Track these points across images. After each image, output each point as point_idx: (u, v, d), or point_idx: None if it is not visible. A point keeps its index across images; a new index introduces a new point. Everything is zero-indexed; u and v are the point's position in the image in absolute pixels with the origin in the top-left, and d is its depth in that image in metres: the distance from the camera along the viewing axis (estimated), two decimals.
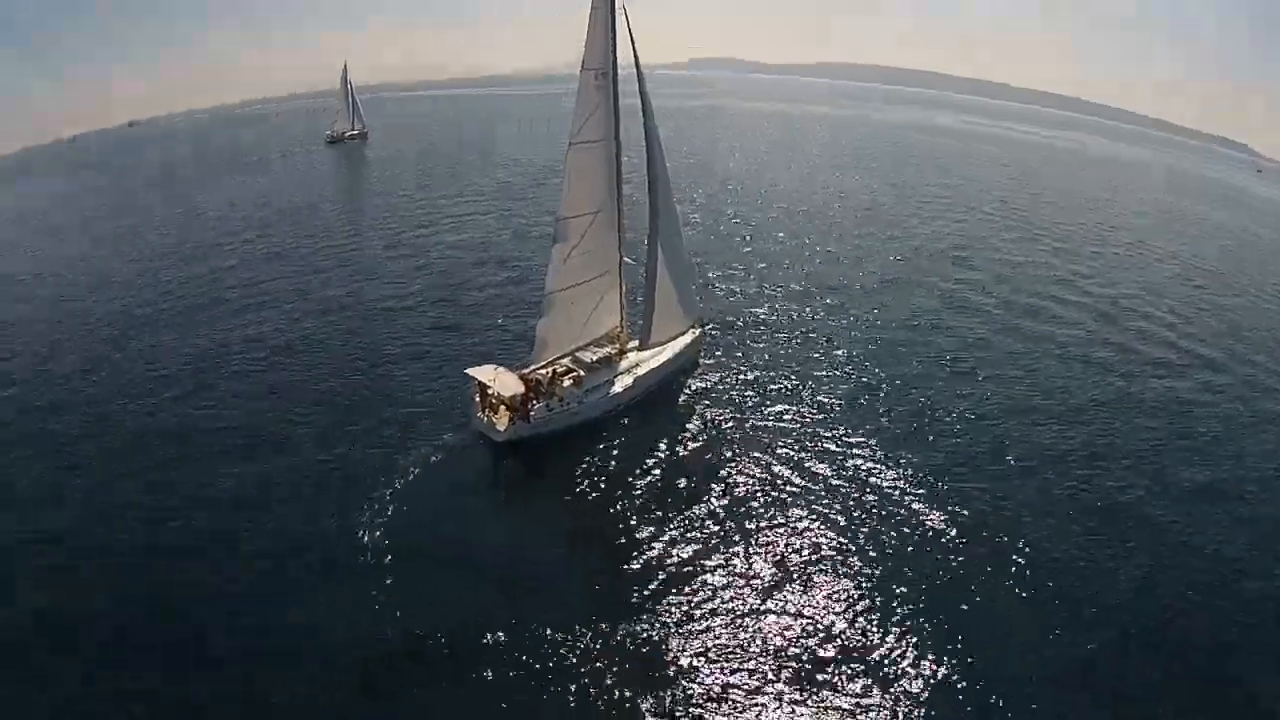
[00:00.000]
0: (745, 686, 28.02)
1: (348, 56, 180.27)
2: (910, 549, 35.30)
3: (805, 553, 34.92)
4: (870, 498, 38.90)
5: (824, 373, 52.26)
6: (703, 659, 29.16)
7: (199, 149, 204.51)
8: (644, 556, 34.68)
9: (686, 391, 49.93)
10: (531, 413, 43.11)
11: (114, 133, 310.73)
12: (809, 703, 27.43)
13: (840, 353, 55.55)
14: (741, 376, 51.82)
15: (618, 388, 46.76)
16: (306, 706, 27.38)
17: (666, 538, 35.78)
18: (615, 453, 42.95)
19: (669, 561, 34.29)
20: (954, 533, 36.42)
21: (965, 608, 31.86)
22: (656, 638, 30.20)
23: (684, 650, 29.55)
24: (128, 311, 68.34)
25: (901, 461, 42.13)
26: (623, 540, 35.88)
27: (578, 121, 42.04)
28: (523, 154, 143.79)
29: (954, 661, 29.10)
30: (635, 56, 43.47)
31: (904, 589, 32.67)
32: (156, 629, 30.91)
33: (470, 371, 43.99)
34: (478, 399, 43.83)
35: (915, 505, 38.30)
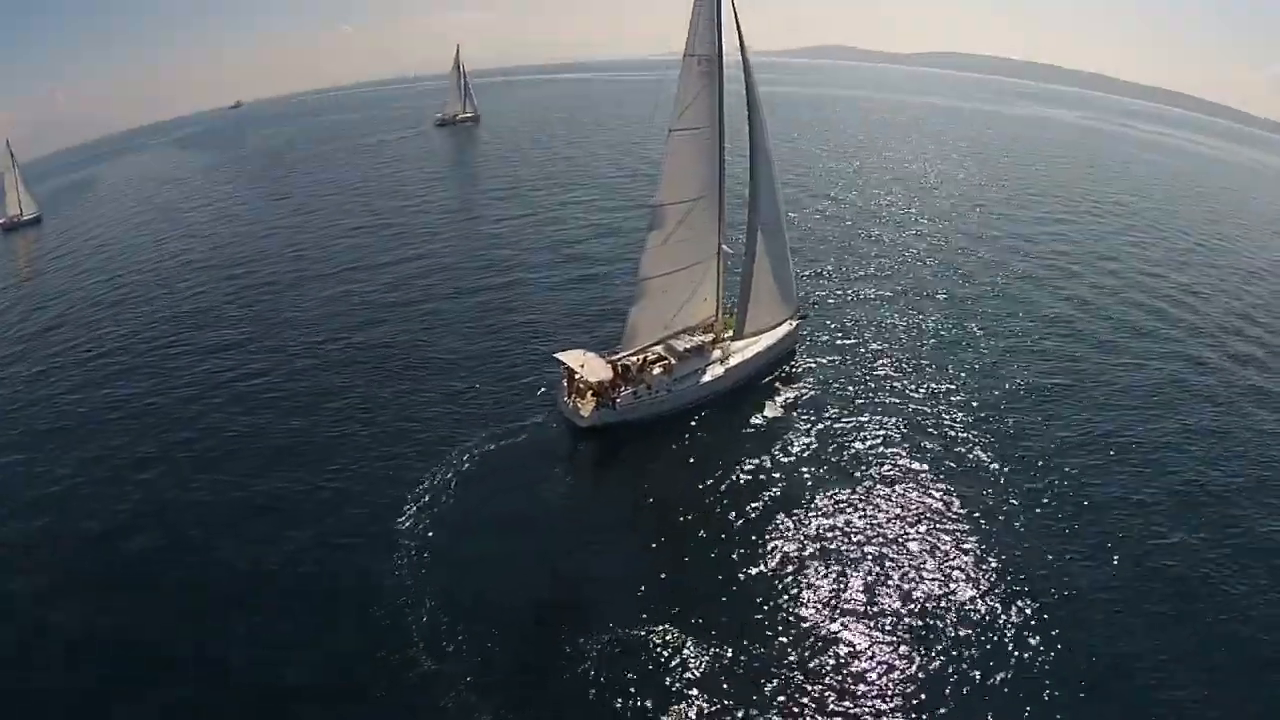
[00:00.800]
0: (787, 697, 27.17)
1: (460, 39, 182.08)
2: (996, 586, 32.46)
3: (877, 576, 32.95)
4: (960, 524, 35.95)
5: (926, 381, 49.38)
6: (751, 666, 28.40)
7: (314, 130, 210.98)
8: (708, 554, 34.07)
9: (779, 385, 48.71)
10: (618, 399, 42.97)
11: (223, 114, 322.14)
12: None
13: (946, 362, 52.23)
14: (837, 374, 50.24)
15: (708, 377, 46.10)
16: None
17: (736, 539, 34.96)
18: (698, 445, 42.38)
19: (735, 564, 33.45)
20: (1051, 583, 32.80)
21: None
22: (706, 638, 29.51)
23: (727, 656, 28.78)
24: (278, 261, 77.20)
25: (993, 483, 38.95)
26: (690, 536, 35.37)
27: (679, 108, 41.52)
28: (629, 140, 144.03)
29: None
30: (741, 42, 42.67)
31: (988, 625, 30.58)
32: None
33: (559, 355, 44.15)
34: (565, 383, 43.94)
35: (1006, 539, 35.04)
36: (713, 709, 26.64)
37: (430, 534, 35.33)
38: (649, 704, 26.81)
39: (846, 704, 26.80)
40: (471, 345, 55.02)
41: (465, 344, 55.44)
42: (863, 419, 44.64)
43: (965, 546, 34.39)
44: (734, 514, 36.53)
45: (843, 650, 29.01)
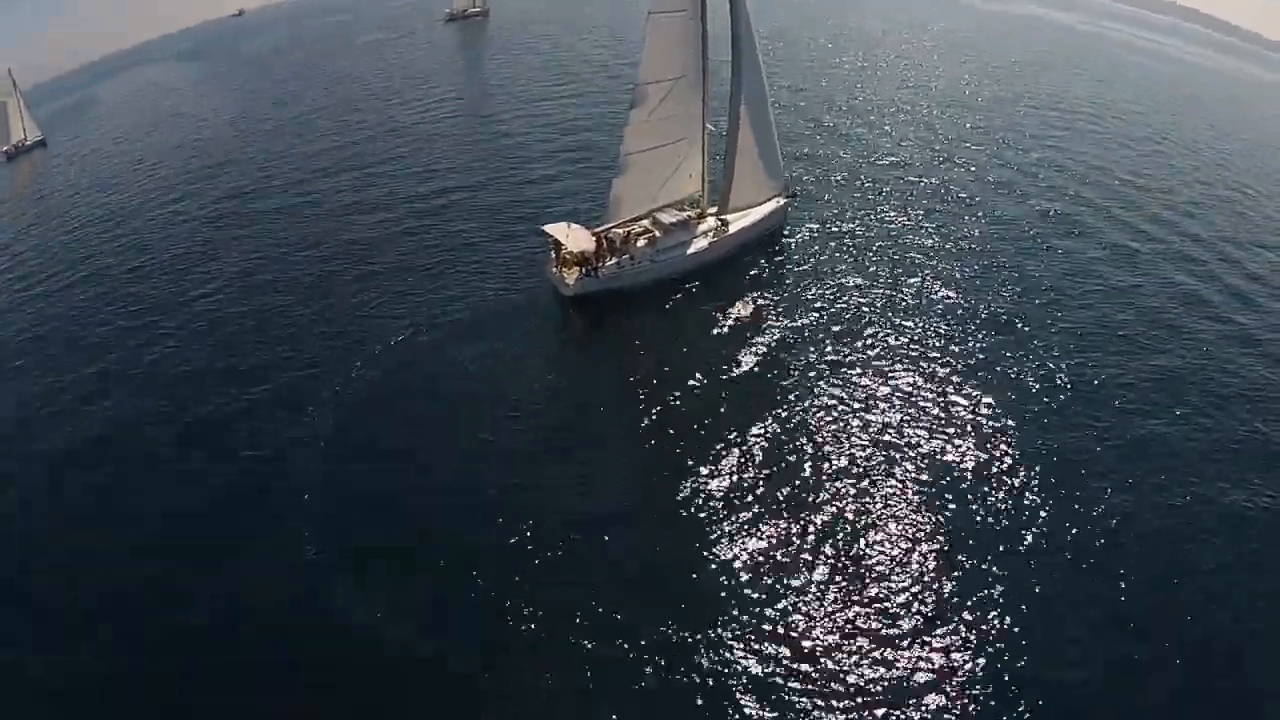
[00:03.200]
0: (762, 586, 28.10)
1: None
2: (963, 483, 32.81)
3: (844, 460, 33.74)
4: (936, 413, 36.36)
5: (915, 265, 50.19)
6: (723, 549, 29.52)
7: (320, 30, 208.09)
8: (681, 426, 35.88)
9: (764, 262, 50.54)
10: (601, 269, 45.20)
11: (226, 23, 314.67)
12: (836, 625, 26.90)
13: (938, 248, 52.74)
14: (825, 255, 51.62)
15: (692, 250, 48.16)
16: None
17: (707, 412, 36.65)
18: (677, 315, 44.74)
19: (704, 438, 34.97)
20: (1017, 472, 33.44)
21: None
22: (680, 516, 31.17)
23: (704, 536, 30.13)
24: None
25: (978, 386, 38.55)
26: (665, 409, 37.12)
27: None
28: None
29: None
30: None
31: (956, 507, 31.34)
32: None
33: (545, 227, 46.44)
34: (554, 254, 46.18)
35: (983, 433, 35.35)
36: (676, 606, 27.44)
37: (406, 393, 38.90)
38: (606, 595, 27.77)
39: (823, 614, 27.27)
40: (469, 221, 57.80)
41: (463, 221, 58.23)
42: (844, 298, 46.30)
43: (948, 429, 35.45)
44: (710, 389, 38.48)
45: (824, 549, 29.49)
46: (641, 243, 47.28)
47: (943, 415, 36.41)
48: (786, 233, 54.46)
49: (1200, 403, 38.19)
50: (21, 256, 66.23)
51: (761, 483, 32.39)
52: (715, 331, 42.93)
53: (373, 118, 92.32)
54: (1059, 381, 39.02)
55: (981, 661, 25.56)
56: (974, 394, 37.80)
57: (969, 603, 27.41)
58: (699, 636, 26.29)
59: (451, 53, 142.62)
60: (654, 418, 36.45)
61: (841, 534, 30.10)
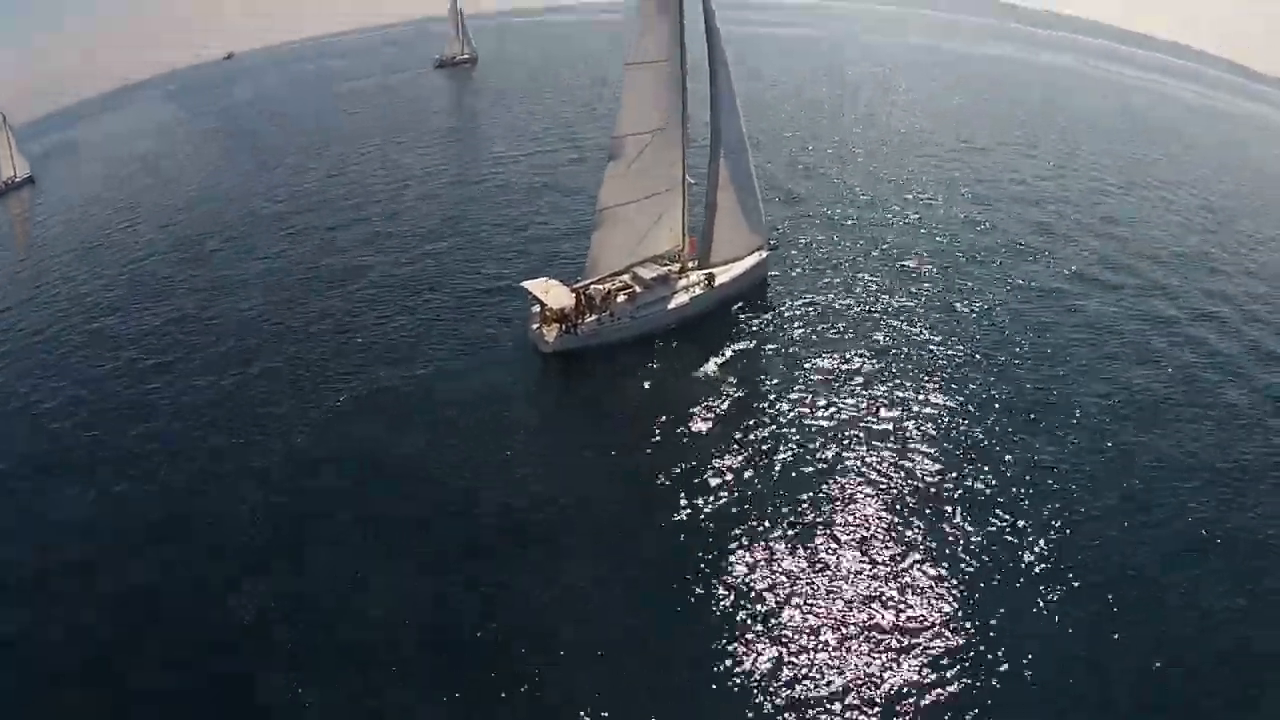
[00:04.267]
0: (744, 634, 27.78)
1: None
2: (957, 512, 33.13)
3: (825, 503, 33.59)
4: (924, 459, 36.19)
5: (898, 315, 49.70)
6: (698, 594, 29.25)
7: (313, 75, 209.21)
8: (659, 480, 35.04)
9: (747, 315, 49.78)
10: (580, 325, 44.43)
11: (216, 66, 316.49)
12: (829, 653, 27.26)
13: (920, 296, 52.30)
14: (808, 306, 50.95)
15: (673, 305, 47.43)
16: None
17: (687, 466, 35.89)
18: (657, 372, 43.73)
19: (683, 490, 34.40)
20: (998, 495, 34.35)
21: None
22: (655, 564, 30.73)
23: (679, 581, 29.77)
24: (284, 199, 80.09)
25: (961, 419, 39.10)
26: (643, 464, 36.33)
27: (634, 40, 42.36)
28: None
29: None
30: None
31: (946, 549, 31.27)
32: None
33: (524, 284, 45.71)
34: (534, 310, 45.40)
35: (968, 469, 35.52)
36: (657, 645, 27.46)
37: (387, 450, 37.73)
38: (592, 639, 27.65)
39: (807, 644, 27.33)
40: (446, 276, 57.00)
41: (443, 273, 57.74)
42: (825, 352, 45.35)
43: (932, 476, 35.06)
44: (689, 442, 37.80)
45: (802, 589, 29.39)
46: (621, 299, 46.63)
47: (929, 480, 35.31)
48: (769, 285, 53.82)
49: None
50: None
51: (743, 553, 31.22)
52: (696, 389, 41.96)
53: (355, 167, 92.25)
54: (1042, 427, 38.66)
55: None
56: (959, 445, 37.29)
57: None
58: None
59: (438, 100, 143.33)
60: (632, 479, 35.53)
61: (823, 584, 29.60)
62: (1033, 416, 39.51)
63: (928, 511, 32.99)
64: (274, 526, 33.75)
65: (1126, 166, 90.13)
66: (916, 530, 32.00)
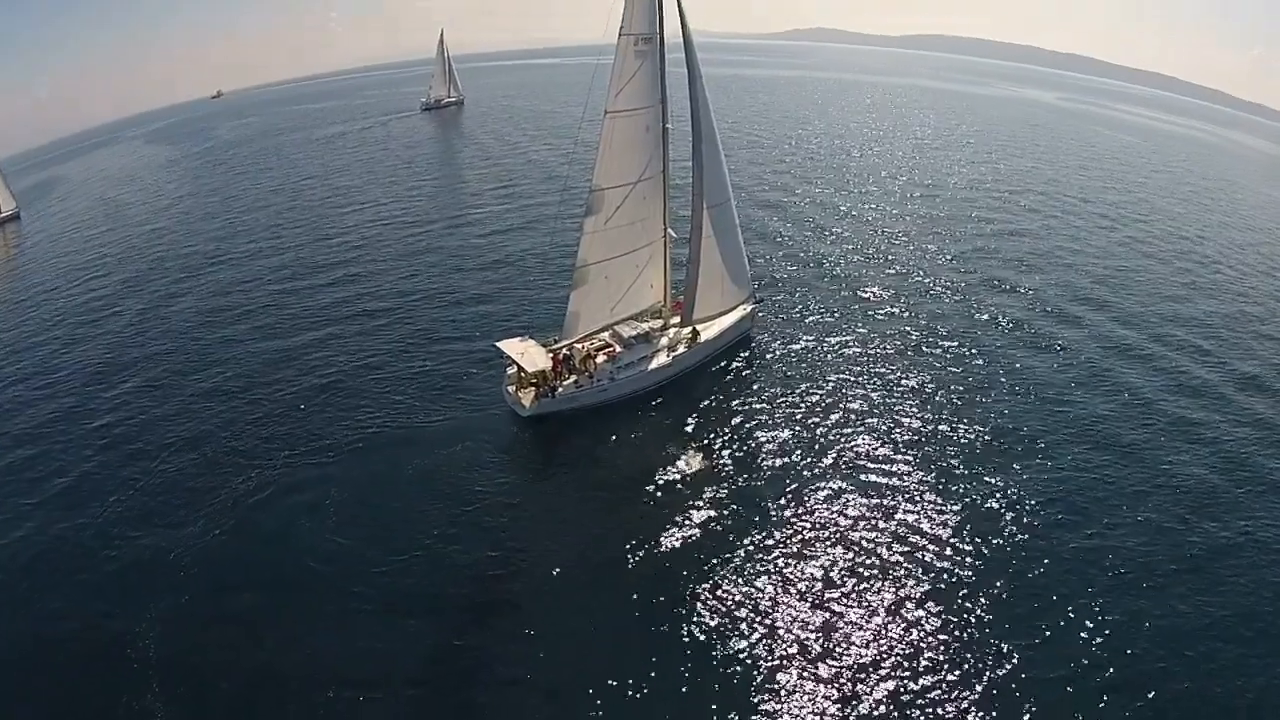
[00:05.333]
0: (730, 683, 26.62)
1: (443, 23, 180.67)
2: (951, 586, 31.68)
3: (818, 569, 32.03)
4: (912, 534, 34.29)
5: (886, 369, 47.96)
6: (691, 668, 27.61)
7: (300, 116, 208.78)
8: (646, 552, 33.00)
9: (731, 372, 47.77)
10: (559, 388, 42.13)
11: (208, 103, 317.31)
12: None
13: (910, 352, 50.63)
14: (793, 361, 49.05)
15: (654, 365, 45.14)
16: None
17: (677, 537, 33.83)
18: (638, 436, 41.39)
19: (671, 563, 32.46)
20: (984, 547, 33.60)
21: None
22: (641, 642, 28.83)
23: (667, 658, 28.00)
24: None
25: (952, 490, 37.00)
26: (626, 534, 34.11)
27: (614, 89, 40.21)
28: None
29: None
30: (682, 19, 41.49)
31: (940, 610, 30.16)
32: None
33: (500, 344, 43.19)
34: (510, 371, 43.06)
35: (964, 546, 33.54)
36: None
37: (351, 526, 35.02)
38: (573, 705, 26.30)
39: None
40: (420, 334, 54.44)
41: (417, 328, 55.31)
42: (815, 410, 43.49)
43: (922, 543, 33.41)
44: (673, 511, 35.48)
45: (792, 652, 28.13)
46: (601, 359, 44.31)
47: (917, 530, 33.97)
48: (753, 340, 51.95)
49: None
50: None
51: (723, 624, 29.12)
52: (678, 455, 39.56)
53: (337, 212, 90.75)
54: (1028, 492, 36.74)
55: None
56: (945, 501, 35.68)
57: None
58: None
59: (423, 145, 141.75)
60: (613, 557, 32.91)
61: (811, 647, 28.05)
62: (1017, 467, 38.53)
63: (920, 577, 31.50)
64: (259, 587, 31.81)
65: (1115, 207, 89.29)
66: (909, 596, 30.50)
